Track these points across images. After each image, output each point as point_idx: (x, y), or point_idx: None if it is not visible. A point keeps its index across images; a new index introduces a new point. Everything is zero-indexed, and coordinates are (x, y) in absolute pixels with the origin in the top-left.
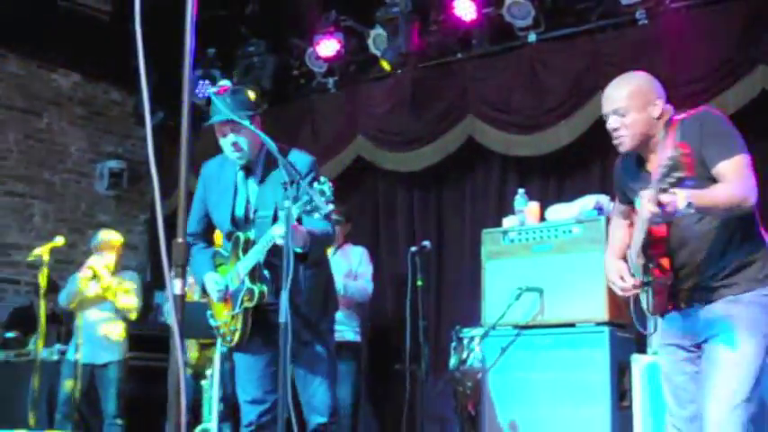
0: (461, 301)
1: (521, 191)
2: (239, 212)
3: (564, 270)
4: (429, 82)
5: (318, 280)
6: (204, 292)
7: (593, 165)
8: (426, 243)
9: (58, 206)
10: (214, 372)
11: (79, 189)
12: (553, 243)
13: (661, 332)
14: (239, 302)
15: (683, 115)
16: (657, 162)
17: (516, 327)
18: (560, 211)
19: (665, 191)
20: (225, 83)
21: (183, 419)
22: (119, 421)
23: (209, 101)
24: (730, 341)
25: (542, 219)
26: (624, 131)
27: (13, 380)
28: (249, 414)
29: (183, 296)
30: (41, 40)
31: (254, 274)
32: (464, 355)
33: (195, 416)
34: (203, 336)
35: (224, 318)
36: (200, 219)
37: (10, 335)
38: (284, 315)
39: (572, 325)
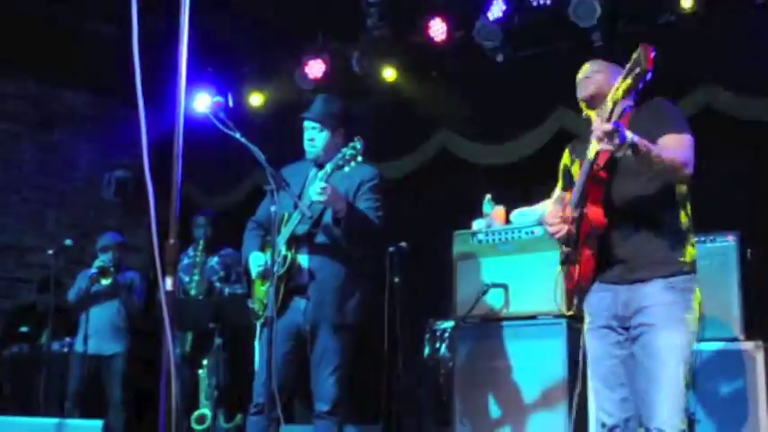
0: (434, 296)
1: (488, 196)
2: (303, 197)
3: (526, 268)
4: (406, 97)
5: (353, 281)
6: (248, 273)
7: (553, 173)
8: (403, 244)
9: (68, 212)
10: (260, 356)
11: (88, 196)
12: (517, 243)
13: (588, 314)
14: (276, 270)
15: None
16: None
17: (483, 319)
18: (524, 215)
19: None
20: (218, 99)
21: (174, 406)
22: (123, 409)
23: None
24: (665, 329)
25: (507, 221)
26: (586, 81)
27: (27, 371)
28: (258, 396)
29: (174, 292)
30: (54, 61)
31: (290, 243)
32: (436, 346)
33: (192, 402)
34: (199, 329)
35: (260, 294)
36: (266, 209)
37: (23, 329)
38: (270, 308)
39: (533, 317)
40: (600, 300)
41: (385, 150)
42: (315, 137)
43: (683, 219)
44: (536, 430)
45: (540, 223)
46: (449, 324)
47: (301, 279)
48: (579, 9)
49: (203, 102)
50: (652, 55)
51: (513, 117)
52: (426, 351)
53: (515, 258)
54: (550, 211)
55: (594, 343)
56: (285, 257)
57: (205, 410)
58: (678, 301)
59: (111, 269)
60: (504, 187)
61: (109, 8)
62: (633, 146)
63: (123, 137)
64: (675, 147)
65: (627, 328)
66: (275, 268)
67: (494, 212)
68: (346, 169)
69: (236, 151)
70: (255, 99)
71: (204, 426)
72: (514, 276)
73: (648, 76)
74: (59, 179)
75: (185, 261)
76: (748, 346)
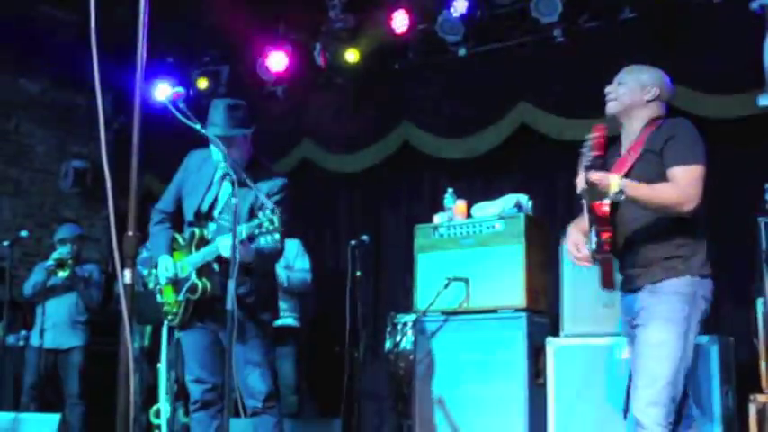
0: (396, 289)
1: (450, 190)
2: (204, 207)
3: (487, 261)
4: (368, 90)
5: (264, 282)
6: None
7: (515, 167)
8: (365, 237)
9: (25, 202)
10: (162, 351)
11: (45, 186)
12: (478, 237)
13: (623, 315)
14: (183, 291)
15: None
16: (627, 147)
17: (445, 313)
18: (485, 209)
19: (587, 168)
20: (179, 90)
21: (132, 399)
22: (81, 402)
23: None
24: (650, 330)
25: (469, 215)
26: (614, 95)
27: None
28: (195, 393)
29: (132, 285)
30: (11, 47)
31: (201, 271)
32: (398, 339)
33: (151, 396)
34: (158, 321)
35: (169, 298)
36: (173, 200)
37: None
38: (230, 303)
39: (494, 311)
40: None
41: (346, 143)
42: (230, 152)
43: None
44: (496, 423)
45: (501, 217)
46: (410, 317)
47: (214, 304)
48: (541, 5)
49: (163, 91)
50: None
51: (474, 111)
52: (387, 344)
53: (476, 252)
54: (572, 238)
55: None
56: (195, 286)
57: (164, 404)
58: (663, 302)
59: (70, 261)
60: (466, 181)
61: None
62: (619, 192)
63: (81, 126)
64: (678, 182)
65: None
66: (183, 290)
67: (455, 206)
68: (261, 241)
69: (197, 141)
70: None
71: (163, 419)
72: (476, 270)
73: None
74: (15, 168)
75: (144, 254)
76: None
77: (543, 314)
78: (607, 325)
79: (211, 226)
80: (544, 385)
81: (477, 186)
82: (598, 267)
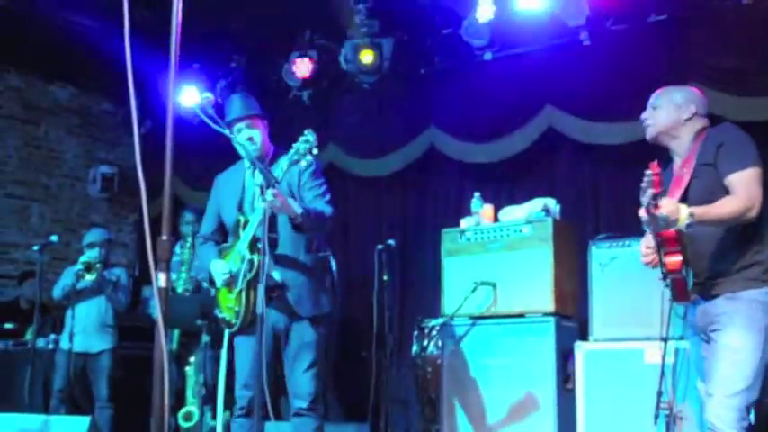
0: (423, 294)
1: (477, 194)
2: (246, 202)
3: (515, 266)
4: (393, 95)
5: (316, 267)
6: (212, 282)
7: (541, 171)
8: (391, 242)
9: (53, 208)
10: (222, 358)
11: (73, 192)
12: (505, 241)
13: (688, 324)
14: (241, 277)
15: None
16: (680, 165)
17: (472, 317)
18: (512, 213)
19: (651, 205)
20: (207, 96)
21: (167, 401)
22: (110, 405)
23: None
24: (729, 335)
25: (496, 219)
26: (651, 121)
27: (12, 368)
28: (242, 399)
29: (166, 289)
30: (40, 55)
31: (253, 247)
32: (425, 343)
33: (179, 400)
34: (186, 326)
35: (228, 302)
36: (212, 223)
37: (8, 326)
38: (260, 306)
39: (521, 315)
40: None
41: (372, 148)
42: (252, 134)
43: (759, 233)
44: (525, 428)
45: (529, 221)
46: (437, 322)
47: (269, 280)
48: (568, 8)
49: (190, 96)
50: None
51: (500, 115)
52: (415, 349)
53: (504, 256)
54: (646, 242)
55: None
56: (251, 261)
57: (192, 408)
58: (742, 309)
59: (98, 265)
60: (492, 185)
61: (94, 2)
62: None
63: (108, 132)
64: (738, 191)
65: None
66: (241, 276)
67: (482, 210)
68: (302, 163)
69: (223, 146)
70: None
71: (191, 423)
72: (503, 274)
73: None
74: (44, 174)
75: (173, 258)
76: None
77: (571, 318)
78: (636, 329)
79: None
80: (573, 390)
81: (504, 190)
82: (669, 283)
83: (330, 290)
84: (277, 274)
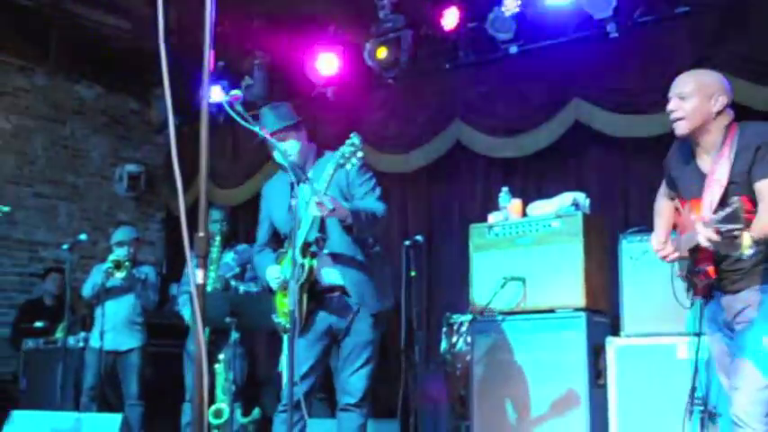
0: (450, 290)
1: (504, 189)
2: (296, 207)
3: (545, 261)
4: (419, 90)
5: (374, 263)
6: (270, 289)
7: (569, 165)
8: (419, 237)
9: (81, 206)
10: (284, 355)
11: (101, 191)
12: (534, 236)
13: (706, 320)
14: (294, 281)
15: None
16: (710, 165)
17: (501, 313)
18: (541, 208)
19: (724, 233)
20: (236, 92)
21: (206, 397)
22: (140, 403)
23: (220, 109)
24: (756, 328)
25: (524, 214)
26: (681, 114)
27: (43, 367)
28: (287, 396)
29: (204, 285)
30: (67, 55)
31: (305, 251)
32: (454, 340)
33: (209, 396)
34: (215, 324)
35: (284, 307)
36: (265, 232)
37: (39, 325)
38: (292, 303)
39: (552, 311)
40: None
41: (398, 143)
42: (286, 147)
43: None
44: (556, 425)
45: (559, 216)
46: (466, 318)
47: (324, 283)
48: (595, 0)
49: (215, 95)
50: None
51: (527, 109)
52: (444, 345)
53: (533, 251)
54: (658, 237)
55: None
56: (302, 266)
57: (222, 405)
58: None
59: (127, 263)
60: (520, 180)
61: (119, 2)
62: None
63: (134, 131)
64: (766, 197)
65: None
66: (295, 280)
67: (510, 205)
68: (348, 167)
69: (249, 144)
70: None
71: (221, 420)
72: (532, 269)
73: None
74: (72, 173)
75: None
76: None
77: (603, 314)
78: (669, 324)
79: None
80: (605, 386)
81: (531, 185)
82: (692, 280)
83: (389, 285)
84: (335, 275)
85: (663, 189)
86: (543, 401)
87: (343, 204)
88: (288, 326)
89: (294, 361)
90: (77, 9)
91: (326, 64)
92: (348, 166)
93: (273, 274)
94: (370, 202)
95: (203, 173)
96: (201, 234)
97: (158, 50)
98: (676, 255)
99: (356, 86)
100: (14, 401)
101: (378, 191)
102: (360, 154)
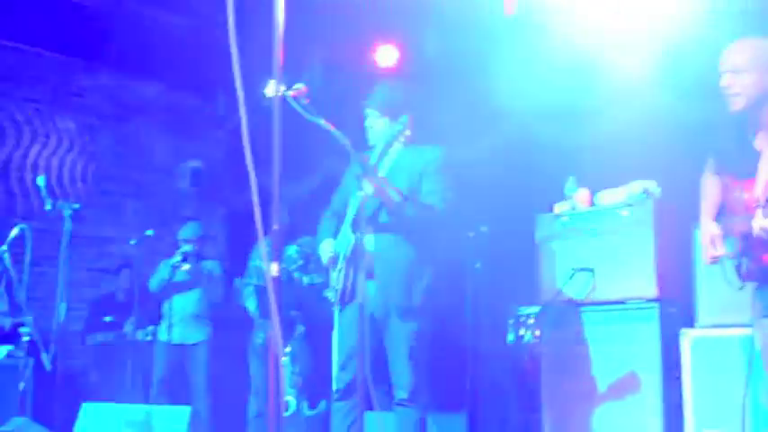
0: (517, 281)
1: (571, 178)
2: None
3: (614, 250)
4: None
5: (421, 262)
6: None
7: (637, 153)
8: (484, 228)
9: (146, 203)
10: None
11: (164, 187)
12: (603, 226)
13: (757, 304)
14: (341, 256)
15: None
16: (766, 143)
17: (570, 304)
18: (609, 196)
19: None
20: (300, 86)
21: (283, 388)
22: (207, 396)
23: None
24: None
25: (592, 203)
26: (737, 89)
27: (113, 360)
28: (339, 381)
29: (279, 278)
30: (129, 53)
31: (354, 225)
32: (521, 332)
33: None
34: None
35: (333, 283)
36: (340, 200)
37: (107, 318)
38: (361, 295)
39: (622, 302)
40: None
41: (463, 133)
42: (372, 124)
43: None
44: (628, 420)
45: (629, 204)
46: (534, 309)
47: (368, 261)
48: None
49: (273, 88)
50: None
51: (593, 96)
52: (511, 337)
53: (602, 241)
54: (709, 234)
55: None
56: (349, 242)
57: (289, 397)
58: None
59: (193, 258)
60: (585, 169)
61: None
62: None
63: (196, 127)
64: None
65: None
66: (343, 252)
67: (578, 194)
68: (402, 150)
69: (309, 138)
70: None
71: (287, 413)
72: (602, 259)
73: None
74: (136, 170)
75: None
76: None
77: (676, 304)
78: (745, 315)
79: None
80: (679, 378)
81: (597, 174)
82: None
83: (426, 285)
84: (370, 245)
85: (711, 165)
86: (615, 395)
87: (385, 190)
88: (334, 300)
89: (340, 341)
90: (140, 7)
91: (385, 55)
92: (401, 148)
93: (326, 248)
94: (433, 199)
95: (276, 166)
96: (277, 227)
97: (219, 46)
98: (722, 253)
99: (414, 77)
100: (86, 395)
101: (448, 193)
102: (407, 132)
